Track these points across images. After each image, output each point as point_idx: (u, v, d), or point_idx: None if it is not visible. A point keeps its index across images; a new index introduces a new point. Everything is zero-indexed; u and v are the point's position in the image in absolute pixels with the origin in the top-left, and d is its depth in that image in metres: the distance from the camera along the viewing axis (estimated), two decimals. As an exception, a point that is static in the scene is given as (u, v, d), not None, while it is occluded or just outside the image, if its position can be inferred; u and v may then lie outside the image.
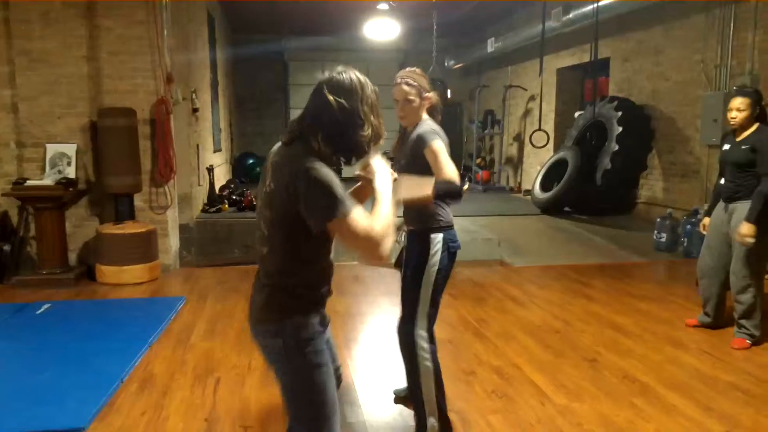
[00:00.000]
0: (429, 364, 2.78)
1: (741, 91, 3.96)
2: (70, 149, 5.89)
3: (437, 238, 2.74)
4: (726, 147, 4.02)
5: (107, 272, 5.68)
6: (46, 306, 4.87)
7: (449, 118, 13.85)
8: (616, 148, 7.80)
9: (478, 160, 13.04)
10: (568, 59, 10.20)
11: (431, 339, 2.83)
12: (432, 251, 2.70)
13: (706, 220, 4.26)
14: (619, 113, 7.91)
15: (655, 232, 6.87)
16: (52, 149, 5.86)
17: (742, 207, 3.82)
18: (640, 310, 4.80)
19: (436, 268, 2.71)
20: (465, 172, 13.20)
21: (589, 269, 6.16)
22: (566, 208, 8.59)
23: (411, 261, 2.79)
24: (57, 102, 5.87)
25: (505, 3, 11.08)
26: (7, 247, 5.66)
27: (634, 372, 3.56)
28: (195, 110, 8.01)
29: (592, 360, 3.76)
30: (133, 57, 5.98)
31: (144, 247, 5.77)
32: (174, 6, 6.40)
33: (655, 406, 3.11)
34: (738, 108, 3.86)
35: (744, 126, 3.88)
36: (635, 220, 8.14)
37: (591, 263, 6.39)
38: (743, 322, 3.98)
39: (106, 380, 3.42)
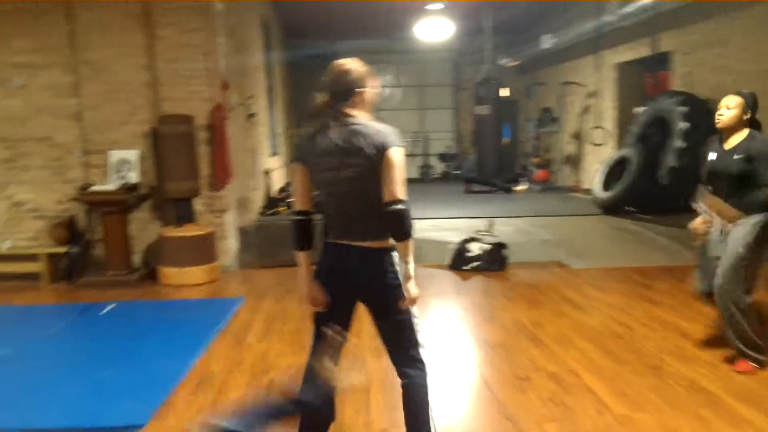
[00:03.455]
0: None
1: (736, 92, 3.54)
2: (132, 155, 6.09)
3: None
4: (713, 156, 3.53)
5: (169, 274, 5.85)
6: (110, 306, 5.05)
7: (506, 116, 13.65)
8: (681, 144, 7.48)
9: (536, 159, 12.79)
10: (627, 53, 9.86)
11: None
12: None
13: (699, 224, 3.68)
14: (684, 108, 7.59)
15: (723, 232, 6.54)
16: (115, 155, 6.08)
17: (747, 222, 3.40)
18: (708, 314, 4.55)
19: None
20: (522, 171, 12.98)
21: (653, 271, 5.93)
22: (629, 208, 8.30)
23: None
24: (118, 110, 6.09)
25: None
26: (74, 250, 5.90)
27: (701, 381, 3.38)
28: (251, 115, 8.17)
29: (656, 368, 3.60)
30: (188, 64, 6.14)
31: (203, 250, 5.91)
32: (227, 14, 6.54)
33: (723, 419, 2.95)
34: (727, 105, 3.44)
35: (732, 128, 3.45)
36: (701, 220, 7.78)
37: (655, 265, 6.15)
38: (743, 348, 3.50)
39: (164, 379, 3.51)
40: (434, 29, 11.09)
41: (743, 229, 3.39)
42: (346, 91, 2.27)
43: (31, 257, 5.95)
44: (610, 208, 8.24)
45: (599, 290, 5.36)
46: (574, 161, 11.97)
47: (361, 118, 2.26)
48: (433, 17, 10.80)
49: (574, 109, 11.89)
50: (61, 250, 5.93)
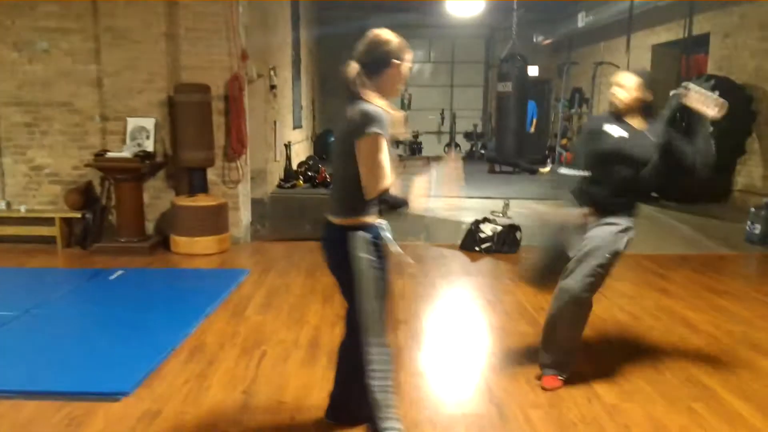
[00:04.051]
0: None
1: (629, 71, 3.12)
2: (149, 123, 6.12)
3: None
4: (620, 133, 2.99)
5: (180, 242, 5.90)
6: (118, 272, 5.12)
7: (536, 95, 13.36)
8: (710, 130, 7.19)
9: (564, 141, 12.52)
10: (664, 35, 9.54)
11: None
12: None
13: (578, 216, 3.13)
14: (716, 93, 7.27)
15: (749, 222, 6.32)
16: (132, 123, 6.11)
17: (612, 223, 3.03)
18: (719, 306, 4.43)
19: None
20: (549, 152, 12.73)
21: (671, 260, 5.76)
22: (653, 194, 8.07)
23: None
24: (138, 77, 6.10)
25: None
26: (89, 216, 5.99)
27: (699, 374, 3.28)
28: (272, 87, 8.15)
29: (655, 358, 3.50)
30: (209, 34, 6.10)
31: (215, 220, 5.94)
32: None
33: (717, 413, 2.85)
34: (624, 84, 2.99)
35: (632, 110, 3.02)
36: (729, 209, 7.54)
37: (673, 254, 5.98)
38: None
39: (158, 348, 3.54)
40: (466, 4, 10.87)
41: (612, 233, 3.03)
42: (377, 61, 2.25)
43: (48, 221, 6.05)
44: (634, 194, 8.01)
45: (611, 277, 5.15)
46: (604, 144, 11.66)
47: (366, 98, 2.20)
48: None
49: (608, 90, 11.55)
50: (76, 215, 6.02)
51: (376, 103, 2.20)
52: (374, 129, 2.14)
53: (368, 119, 2.15)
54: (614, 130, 3.00)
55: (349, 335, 2.46)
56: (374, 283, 2.27)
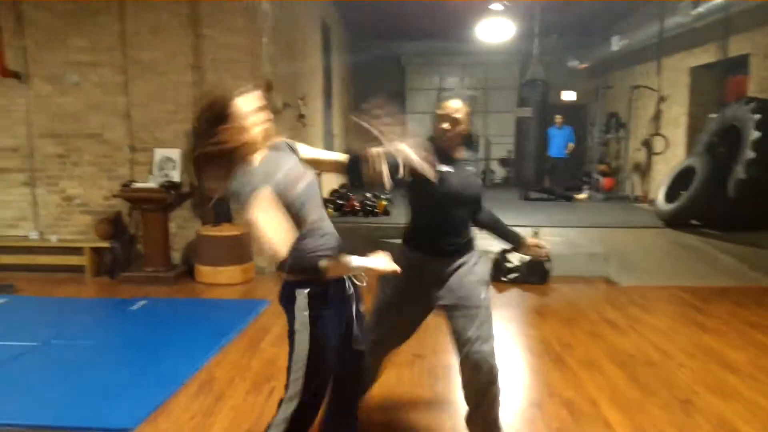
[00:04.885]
0: None
1: (456, 100, 2.60)
2: (176, 154, 6.19)
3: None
4: (447, 168, 2.54)
5: (204, 272, 5.90)
6: (141, 302, 5.13)
7: (573, 120, 13.13)
8: (753, 155, 6.90)
9: (601, 167, 12.21)
10: (702, 56, 9.23)
11: None
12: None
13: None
14: (758, 116, 6.99)
15: (796, 252, 5.98)
16: (159, 153, 6.19)
17: (470, 264, 2.63)
18: (761, 344, 4.15)
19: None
20: (585, 179, 12.44)
21: (710, 292, 5.47)
22: (693, 222, 7.75)
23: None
24: (165, 108, 6.20)
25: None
26: (117, 245, 6.05)
27: (735, 420, 3.04)
28: (301, 116, 8.17)
29: (686, 401, 3.27)
30: (234, 65, 6.17)
31: (239, 250, 5.92)
32: (278, 16, 6.55)
33: (752, 466, 2.62)
34: (456, 113, 2.55)
35: (459, 143, 2.63)
36: (775, 238, 7.15)
37: (713, 285, 5.69)
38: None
39: (169, 380, 3.50)
40: (497, 30, 10.79)
41: (481, 275, 2.65)
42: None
43: (78, 250, 6.15)
44: (673, 221, 7.70)
45: (644, 310, 4.98)
46: (643, 170, 11.35)
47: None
48: (496, 18, 10.51)
49: (645, 115, 11.27)
50: (105, 245, 6.09)
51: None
52: (255, 186, 1.90)
53: (241, 179, 1.98)
54: (447, 169, 2.55)
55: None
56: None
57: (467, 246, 2.66)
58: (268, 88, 6.28)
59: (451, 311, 2.58)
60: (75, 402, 3.23)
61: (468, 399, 2.61)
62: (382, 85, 14.30)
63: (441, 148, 2.57)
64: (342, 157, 2.26)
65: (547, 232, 6.85)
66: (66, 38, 6.22)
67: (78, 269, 6.18)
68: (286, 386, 2.09)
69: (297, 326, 2.04)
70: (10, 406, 3.18)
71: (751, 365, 3.77)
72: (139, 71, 6.16)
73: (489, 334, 2.54)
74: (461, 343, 2.54)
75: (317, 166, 2.24)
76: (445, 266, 2.59)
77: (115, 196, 6.03)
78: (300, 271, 1.99)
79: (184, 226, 6.31)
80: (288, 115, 7.60)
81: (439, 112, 2.58)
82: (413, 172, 2.16)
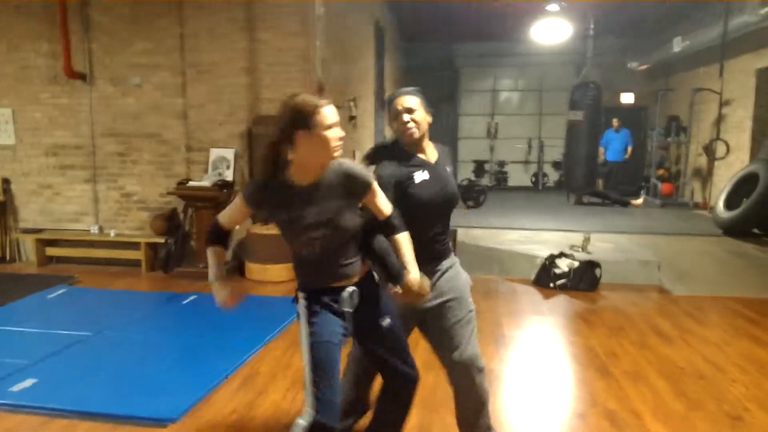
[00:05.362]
0: None
1: (405, 91, 2.44)
2: (230, 153, 6.36)
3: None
4: (420, 176, 2.40)
5: (253, 269, 6.04)
6: (192, 297, 5.29)
7: (631, 124, 12.78)
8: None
9: (660, 171, 11.84)
10: (769, 58, 8.85)
11: None
12: None
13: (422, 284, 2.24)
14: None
15: None
16: (214, 153, 6.38)
17: (456, 266, 2.55)
18: (822, 361, 3.95)
19: None
20: (643, 183, 12.10)
21: (766, 305, 5.24)
22: (754, 231, 7.44)
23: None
24: (220, 110, 6.37)
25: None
26: (171, 241, 6.26)
27: (787, 439, 2.91)
28: (352, 118, 8.26)
29: (737, 417, 3.15)
30: (287, 68, 6.29)
31: (286, 248, 6.01)
32: (331, 19, 6.63)
33: (802, 488, 2.51)
34: (411, 109, 2.38)
35: (424, 140, 2.46)
36: (844, 249, 6.79)
37: (772, 297, 5.45)
38: None
39: (213, 374, 3.60)
40: (552, 31, 10.61)
41: (463, 280, 2.55)
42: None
43: (134, 245, 6.40)
44: (732, 230, 7.42)
45: (696, 321, 4.81)
46: (704, 176, 10.94)
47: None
48: (552, 18, 10.34)
49: (708, 118, 10.87)
50: (160, 240, 6.31)
51: None
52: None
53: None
54: (412, 173, 2.40)
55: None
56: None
57: (448, 250, 2.56)
58: (319, 90, 6.37)
59: (439, 312, 2.46)
60: (122, 391, 3.37)
61: (463, 404, 2.56)
62: (436, 86, 14.30)
63: (407, 151, 2.44)
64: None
65: (599, 238, 6.70)
66: (129, 41, 6.49)
67: (134, 263, 6.44)
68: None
69: (300, 324, 2.23)
70: (61, 393, 3.34)
71: (809, 383, 3.60)
72: (197, 74, 6.36)
73: (474, 339, 2.49)
74: (453, 345, 2.44)
75: None
76: (431, 273, 2.42)
77: (170, 193, 6.25)
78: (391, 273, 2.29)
79: (235, 224, 6.46)
80: (339, 116, 7.69)
81: (396, 108, 2.40)
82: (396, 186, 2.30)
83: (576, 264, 5.72)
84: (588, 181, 10.62)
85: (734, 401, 3.35)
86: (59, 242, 6.68)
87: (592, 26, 9.54)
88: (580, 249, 6.18)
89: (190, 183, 6.13)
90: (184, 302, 5.18)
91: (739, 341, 4.34)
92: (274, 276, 5.95)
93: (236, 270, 6.28)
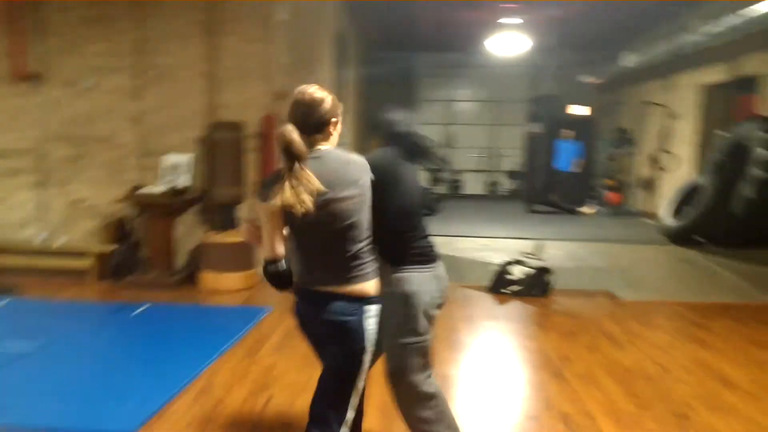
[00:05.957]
0: None
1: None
2: (185, 159, 6.25)
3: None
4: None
5: (207, 278, 5.94)
6: (143, 307, 5.16)
7: (583, 135, 13.11)
8: (760, 174, 6.88)
9: (608, 181, 12.19)
10: (714, 75, 9.23)
11: None
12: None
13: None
14: (765, 135, 6.98)
15: (800, 271, 5.95)
16: (168, 159, 6.26)
17: None
18: (761, 361, 4.13)
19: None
20: (593, 193, 12.43)
21: (711, 309, 5.45)
22: (699, 239, 7.72)
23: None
24: (176, 114, 6.27)
25: (643, 15, 10.31)
26: (121, 250, 6.11)
27: (730, 437, 3.03)
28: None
29: (682, 416, 3.26)
30: (247, 73, 6.24)
31: (242, 256, 5.96)
32: (292, 26, 6.62)
33: (745, 484, 2.61)
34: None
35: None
36: (780, 256, 7.11)
37: (715, 302, 5.66)
38: None
39: (168, 386, 3.52)
40: (508, 44, 10.82)
41: None
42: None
43: (83, 254, 6.21)
44: (678, 238, 7.68)
45: (644, 325, 4.96)
46: (650, 185, 11.32)
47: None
48: (508, 32, 10.55)
49: (655, 131, 11.26)
50: (109, 248, 6.15)
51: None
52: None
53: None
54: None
55: None
56: None
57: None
58: (279, 97, 6.34)
59: None
60: (74, 405, 3.27)
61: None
62: (394, 95, 14.38)
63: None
64: None
65: (551, 245, 6.85)
66: (84, 42, 6.32)
67: (82, 273, 6.23)
68: None
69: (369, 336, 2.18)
70: (9, 408, 3.21)
71: (750, 382, 3.75)
72: (154, 77, 6.25)
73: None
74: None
75: None
76: None
77: (121, 200, 6.10)
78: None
79: (189, 232, 6.36)
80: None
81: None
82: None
83: (529, 271, 5.83)
84: (547, 190, 10.86)
85: (680, 401, 3.47)
86: (2, 251, 6.42)
87: (553, 41, 9.77)
88: (534, 256, 6.30)
89: (142, 190, 6.00)
90: (135, 313, 5.05)
91: (684, 344, 4.50)
92: (230, 284, 5.86)
93: (188, 279, 6.16)
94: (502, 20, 10.17)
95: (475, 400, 3.51)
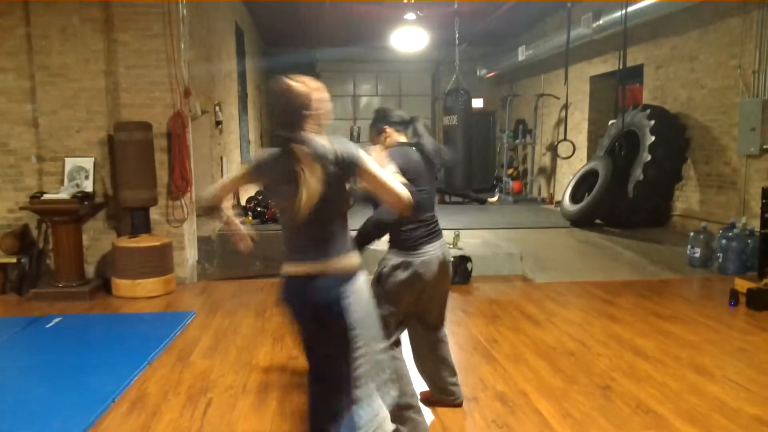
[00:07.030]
0: None
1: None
2: (88, 163, 5.94)
3: None
4: None
5: (122, 286, 5.69)
6: (56, 320, 4.88)
7: (480, 128, 13.64)
8: (649, 158, 7.47)
9: (510, 171, 12.77)
10: (601, 66, 9.88)
11: None
12: None
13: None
14: (652, 122, 7.59)
15: (689, 246, 6.52)
16: (70, 163, 5.92)
17: None
18: (665, 331, 4.51)
19: None
20: (496, 182, 12.96)
21: (616, 286, 5.87)
22: (597, 221, 8.27)
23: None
24: (76, 116, 5.93)
25: (536, 10, 10.85)
26: (25, 260, 5.72)
27: (650, 401, 3.30)
28: (218, 123, 8.04)
29: (605, 387, 3.52)
30: (150, 71, 6.00)
31: (159, 261, 5.75)
32: (193, 20, 6.43)
33: (668, 441, 2.87)
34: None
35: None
36: (670, 234, 7.76)
37: (619, 280, 6.10)
38: None
39: (97, 399, 3.36)
40: (411, 39, 11.03)
41: None
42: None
43: (-20, 267, 5.76)
44: (578, 221, 8.20)
45: (559, 305, 5.28)
46: (548, 173, 11.96)
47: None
48: (410, 27, 10.75)
49: (550, 121, 11.89)
50: (12, 260, 5.74)
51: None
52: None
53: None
54: None
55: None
56: None
57: None
58: (186, 95, 6.15)
59: None
60: (-3, 426, 3.06)
61: None
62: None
63: None
64: None
65: (467, 234, 7.10)
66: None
67: (-19, 287, 5.79)
68: None
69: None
70: None
71: (659, 351, 4.10)
72: (48, 77, 5.86)
73: None
74: None
75: None
76: None
77: (22, 208, 5.70)
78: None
79: (98, 238, 6.06)
80: (205, 121, 7.47)
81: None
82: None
83: (451, 260, 6.00)
84: (467, 181, 11.16)
85: (602, 373, 3.73)
86: None
87: (456, 35, 10.06)
88: (452, 245, 6.50)
89: (45, 196, 5.63)
90: (48, 326, 4.76)
91: (597, 320, 4.83)
92: (147, 291, 5.64)
93: (101, 288, 5.87)
94: (405, 16, 10.36)
95: (414, 386, 3.60)
